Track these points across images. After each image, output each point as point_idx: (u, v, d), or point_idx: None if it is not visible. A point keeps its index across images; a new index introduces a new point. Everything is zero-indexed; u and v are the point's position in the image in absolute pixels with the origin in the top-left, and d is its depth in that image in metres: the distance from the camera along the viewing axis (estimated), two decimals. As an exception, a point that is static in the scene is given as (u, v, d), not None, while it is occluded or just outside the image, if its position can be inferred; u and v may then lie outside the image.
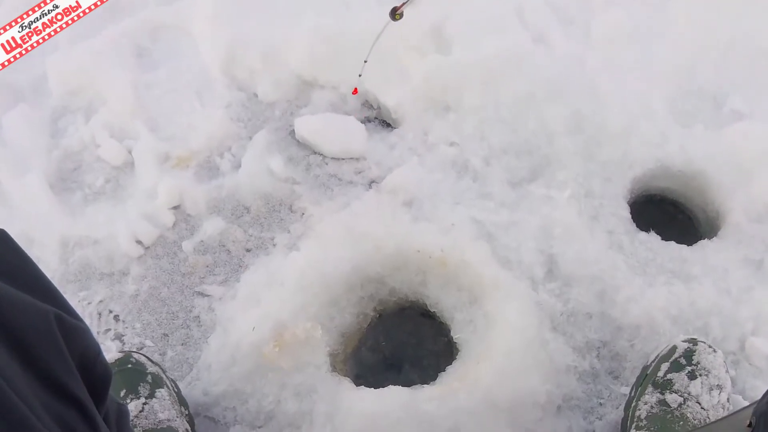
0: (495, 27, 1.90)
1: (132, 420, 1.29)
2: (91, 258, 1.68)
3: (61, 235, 1.71)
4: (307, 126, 1.82)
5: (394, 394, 1.42)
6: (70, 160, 1.85)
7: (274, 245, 1.68)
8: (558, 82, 1.82)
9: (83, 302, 1.63)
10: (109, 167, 1.83)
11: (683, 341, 1.41)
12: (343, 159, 1.80)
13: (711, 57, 1.90)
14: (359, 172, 1.78)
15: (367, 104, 1.90)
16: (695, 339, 1.42)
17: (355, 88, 1.54)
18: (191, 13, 2.01)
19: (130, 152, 1.83)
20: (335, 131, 1.81)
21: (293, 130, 1.85)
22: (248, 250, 1.69)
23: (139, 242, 1.70)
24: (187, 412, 1.42)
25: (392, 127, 1.87)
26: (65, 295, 1.58)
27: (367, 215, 1.63)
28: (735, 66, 1.89)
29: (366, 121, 1.88)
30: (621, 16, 1.95)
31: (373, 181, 1.75)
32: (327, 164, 1.80)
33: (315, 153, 1.82)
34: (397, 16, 1.01)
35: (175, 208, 1.75)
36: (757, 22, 1.92)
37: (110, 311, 1.63)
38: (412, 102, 1.83)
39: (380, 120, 1.90)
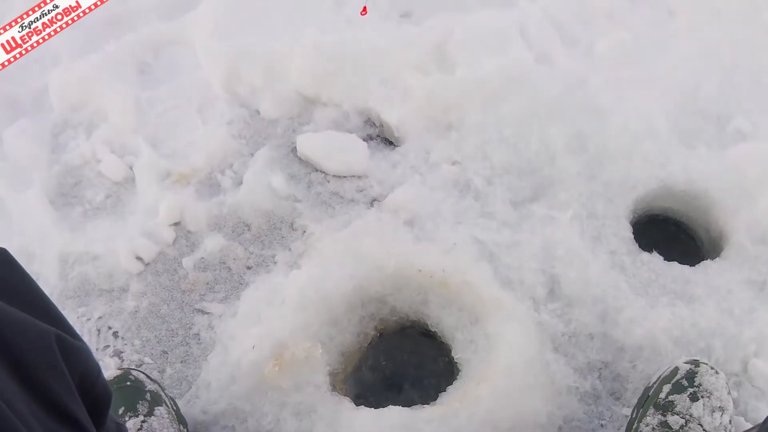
0: (498, 46, 1.90)
1: (130, 439, 1.28)
2: (91, 274, 1.67)
3: (61, 250, 1.71)
4: (309, 143, 1.82)
5: (394, 414, 1.41)
6: (70, 175, 1.85)
7: (275, 263, 1.68)
8: (560, 101, 1.82)
9: (82, 318, 1.62)
10: (109, 183, 1.83)
11: (685, 362, 1.40)
12: (344, 177, 1.79)
13: (715, 77, 1.91)
14: (361, 191, 1.77)
15: (370, 122, 1.90)
16: (697, 360, 1.41)
17: (365, 7, 1.46)
18: (193, 29, 2.02)
19: (131, 168, 1.83)
20: (337, 149, 1.80)
21: (295, 148, 1.85)
22: (249, 268, 1.68)
23: (139, 258, 1.69)
24: (185, 431, 1.40)
25: (394, 146, 1.86)
26: (64, 311, 1.58)
27: (368, 234, 1.63)
28: (739, 86, 1.89)
29: (368, 138, 1.87)
30: (624, 35, 1.95)
31: (374, 200, 1.75)
32: (329, 182, 1.79)
33: (317, 170, 1.82)
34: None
35: (176, 224, 1.74)
36: (760, 42, 1.92)
37: (109, 328, 1.61)
38: (414, 120, 1.83)
39: (382, 138, 1.89)
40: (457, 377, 1.51)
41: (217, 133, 1.85)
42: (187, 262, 1.69)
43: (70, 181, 1.85)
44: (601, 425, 1.46)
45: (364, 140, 1.85)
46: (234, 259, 1.68)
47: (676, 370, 1.39)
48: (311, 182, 1.80)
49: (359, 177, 1.79)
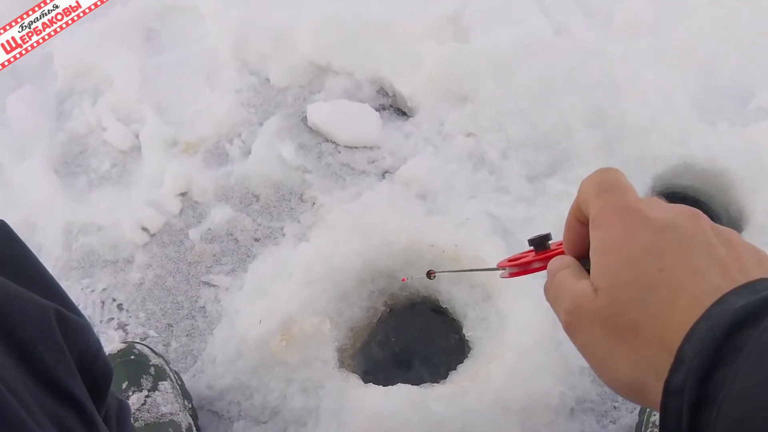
0: (514, 16, 1.86)
1: (134, 413, 1.26)
2: (95, 245, 1.65)
3: (65, 221, 1.68)
4: (319, 113, 1.78)
5: (402, 392, 1.38)
6: (75, 143, 1.82)
7: (283, 235, 1.64)
8: (578, 74, 1.77)
9: (86, 290, 1.60)
10: (115, 151, 1.80)
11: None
12: (356, 147, 1.76)
13: (736, 52, 1.85)
14: (372, 162, 1.73)
15: (382, 92, 1.86)
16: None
17: (404, 278, 1.50)
18: (202, -6, 1.97)
19: (137, 137, 1.79)
20: (349, 119, 1.76)
21: (305, 117, 1.81)
22: (257, 240, 1.65)
23: (144, 229, 1.66)
24: (190, 406, 1.38)
25: (407, 116, 1.82)
26: (67, 283, 1.57)
27: (379, 207, 1.59)
28: (761, 62, 1.84)
29: (380, 109, 1.83)
30: (644, 7, 1.90)
31: (386, 171, 1.71)
32: (339, 153, 1.76)
33: (327, 141, 1.78)
34: (432, 277, 1.03)
35: (182, 194, 1.71)
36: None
37: (114, 300, 1.59)
38: (428, 90, 1.78)
39: (395, 108, 1.85)
40: (468, 355, 1.49)
41: (225, 101, 1.81)
42: (194, 233, 1.65)
43: (75, 149, 1.82)
44: (614, 407, 1.44)
45: (376, 110, 1.80)
46: (241, 230, 1.65)
47: None
48: (321, 153, 1.76)
49: (371, 148, 1.75)
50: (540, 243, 0.74)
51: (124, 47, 1.90)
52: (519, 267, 0.75)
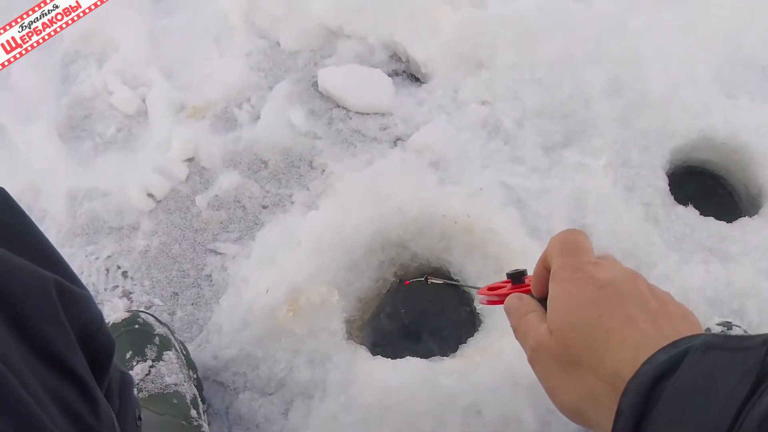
0: (534, -19, 1.81)
1: (138, 384, 1.24)
2: (100, 211, 1.61)
3: (69, 186, 1.65)
4: (331, 78, 1.74)
5: (411, 365, 1.35)
6: (80, 107, 1.78)
7: (291, 203, 1.61)
8: (597, 44, 1.73)
9: (90, 257, 1.57)
10: (121, 116, 1.76)
11: (717, 324, 1.36)
12: (367, 114, 1.71)
13: (760, 25, 1.81)
14: (384, 129, 1.69)
15: (396, 57, 1.82)
16: (730, 323, 1.36)
17: (407, 281, 1.52)
18: (211, -45, 1.93)
19: (143, 101, 1.76)
20: (360, 84, 1.72)
21: (316, 82, 1.77)
22: (264, 207, 1.62)
23: (150, 195, 1.62)
24: (195, 376, 1.36)
25: (421, 82, 1.78)
26: (72, 250, 1.54)
27: (391, 175, 1.56)
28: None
29: (393, 74, 1.79)
30: (669, -22, 1.85)
31: (398, 139, 1.67)
32: (351, 119, 1.72)
33: (338, 106, 1.73)
34: (429, 282, 1.19)
35: (189, 160, 1.67)
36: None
37: (118, 267, 1.56)
38: (442, 57, 1.74)
39: (408, 74, 1.81)
40: (479, 328, 1.47)
41: (234, 65, 1.77)
42: (201, 200, 1.62)
43: (80, 113, 1.78)
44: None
45: (389, 76, 1.76)
46: (249, 197, 1.62)
47: (707, 331, 1.33)
48: (332, 119, 1.72)
49: (383, 114, 1.71)
50: (517, 277, 0.90)
51: (131, 9, 1.86)
52: (498, 297, 0.90)
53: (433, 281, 1.19)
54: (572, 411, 0.69)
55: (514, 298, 0.84)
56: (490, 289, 0.94)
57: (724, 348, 0.55)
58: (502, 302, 0.88)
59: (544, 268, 0.80)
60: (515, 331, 0.81)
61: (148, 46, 1.82)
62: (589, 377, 0.66)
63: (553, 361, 0.70)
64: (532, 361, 0.75)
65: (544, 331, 0.72)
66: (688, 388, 0.54)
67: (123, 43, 1.84)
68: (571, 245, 0.76)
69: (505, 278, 0.93)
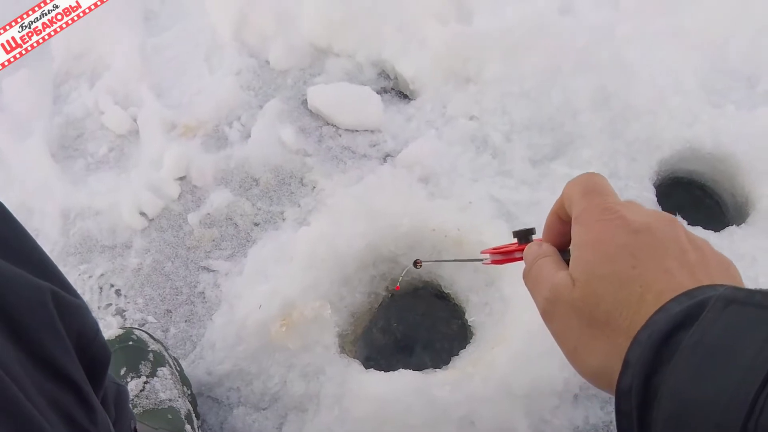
0: (519, -6, 1.83)
1: (132, 399, 1.24)
2: (93, 230, 1.62)
3: (62, 205, 1.66)
4: (320, 96, 1.75)
5: (405, 378, 1.36)
6: (72, 127, 1.80)
7: (283, 219, 1.62)
8: (584, 55, 1.75)
9: (84, 276, 1.58)
10: (113, 135, 1.78)
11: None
12: (357, 131, 1.73)
13: (746, 34, 1.83)
14: (374, 145, 1.71)
15: (384, 74, 1.83)
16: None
17: (398, 286, 1.51)
18: (201, -27, 1.95)
19: (134, 120, 1.77)
20: (350, 102, 1.74)
21: (306, 100, 1.78)
22: (256, 224, 1.62)
23: (142, 214, 1.63)
24: (189, 392, 1.37)
25: (409, 99, 1.79)
26: (65, 269, 1.54)
27: (381, 190, 1.57)
28: (770, 46, 1.82)
29: (382, 91, 1.80)
30: (654, -13, 1.87)
31: (388, 155, 1.69)
32: (340, 136, 1.73)
33: (328, 124, 1.75)
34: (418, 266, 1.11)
35: (181, 178, 1.68)
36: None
37: (112, 285, 1.57)
38: (430, 72, 1.76)
39: (397, 91, 1.82)
40: (471, 341, 1.47)
41: (224, 83, 1.79)
42: (193, 217, 1.63)
43: (72, 133, 1.80)
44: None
45: (377, 93, 1.77)
46: (241, 215, 1.63)
47: None
48: (322, 136, 1.74)
49: (372, 131, 1.73)
50: (524, 236, 0.81)
51: (122, 28, 1.88)
52: (502, 255, 0.82)
53: (423, 263, 1.07)
54: (596, 375, 0.61)
55: (534, 244, 0.76)
56: (495, 249, 0.85)
57: (748, 303, 0.49)
58: (507, 261, 0.82)
59: (558, 218, 0.73)
60: (525, 276, 0.73)
61: (139, 65, 1.83)
62: (620, 338, 0.57)
63: (577, 317, 0.61)
64: (547, 314, 0.66)
65: (564, 281, 0.63)
66: (710, 344, 0.49)
67: (114, 62, 1.85)
68: (594, 186, 0.67)
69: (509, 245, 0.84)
